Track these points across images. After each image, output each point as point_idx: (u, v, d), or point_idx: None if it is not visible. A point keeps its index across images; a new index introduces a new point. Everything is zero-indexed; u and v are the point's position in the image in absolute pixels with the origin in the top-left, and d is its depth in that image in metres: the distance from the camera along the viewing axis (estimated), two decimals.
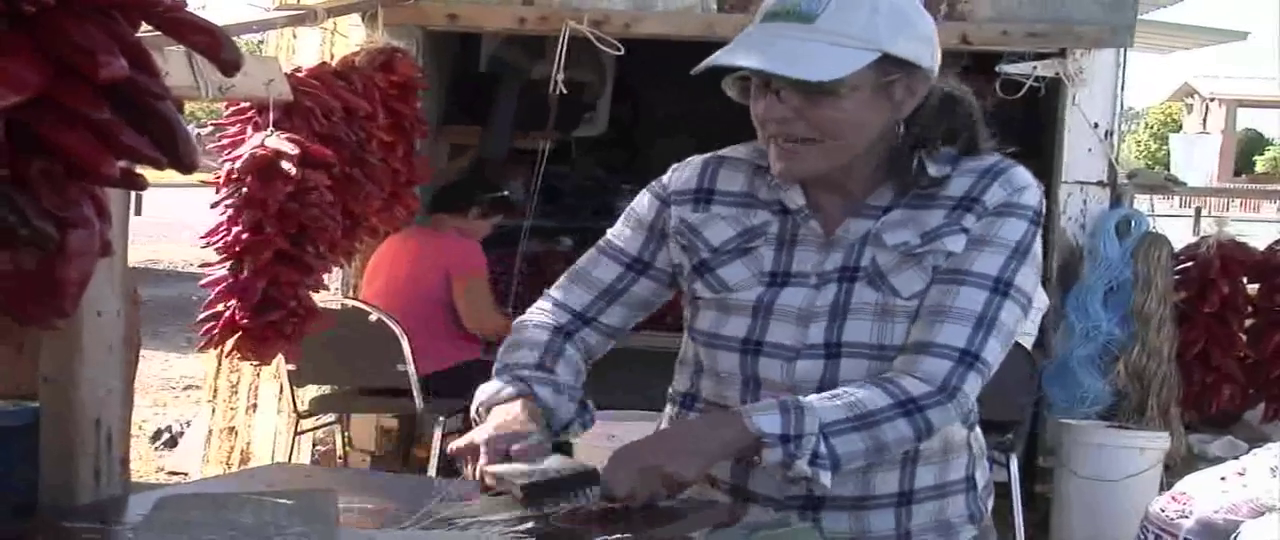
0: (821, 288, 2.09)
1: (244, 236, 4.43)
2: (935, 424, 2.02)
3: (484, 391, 2.16)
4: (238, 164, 4.44)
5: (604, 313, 2.26)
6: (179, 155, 1.40)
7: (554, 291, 2.29)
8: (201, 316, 4.54)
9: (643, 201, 2.26)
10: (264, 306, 4.51)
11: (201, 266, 4.60)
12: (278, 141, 4.48)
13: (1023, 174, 2.13)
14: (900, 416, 1.98)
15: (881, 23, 2.00)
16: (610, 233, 2.29)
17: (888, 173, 2.11)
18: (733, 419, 1.99)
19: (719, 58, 2.02)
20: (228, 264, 4.50)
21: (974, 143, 2.15)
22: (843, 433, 1.96)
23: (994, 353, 2.04)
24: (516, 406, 2.10)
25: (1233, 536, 3.64)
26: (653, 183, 2.27)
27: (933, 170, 2.09)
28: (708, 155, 2.25)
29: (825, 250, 2.11)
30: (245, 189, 4.43)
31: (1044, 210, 2.14)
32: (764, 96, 2.03)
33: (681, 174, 2.24)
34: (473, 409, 2.16)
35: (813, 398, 1.99)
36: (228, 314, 4.49)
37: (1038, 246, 2.12)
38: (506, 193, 6.55)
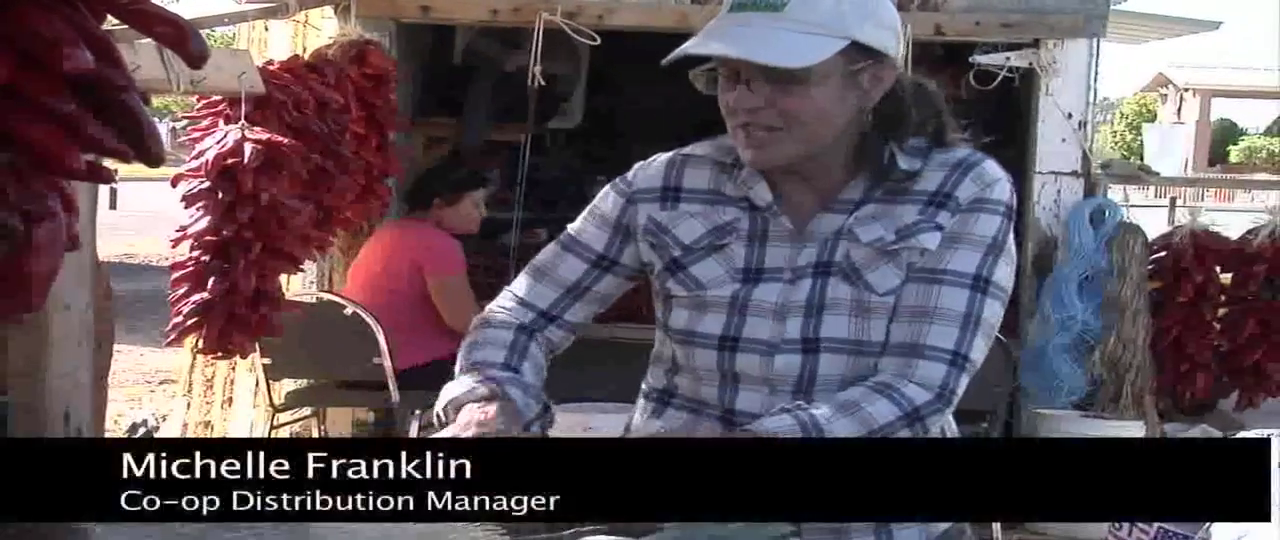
0: (796, 283, 2.09)
1: (243, 232, 4.40)
2: (930, 430, 2.05)
3: (452, 389, 2.13)
4: (243, 157, 4.39)
5: (569, 310, 2.25)
6: (145, 148, 1.39)
7: (516, 288, 2.28)
8: (186, 309, 4.49)
9: (607, 198, 2.25)
10: (256, 299, 4.50)
11: (186, 260, 4.56)
12: (272, 135, 4.46)
13: (994, 168, 2.13)
14: (903, 427, 2.00)
15: (848, 10, 2.01)
16: (572, 228, 2.27)
17: (858, 165, 2.12)
18: (747, 436, 1.97)
19: (690, 47, 2.02)
20: (209, 257, 4.46)
21: (942, 133, 2.15)
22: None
23: (980, 352, 2.06)
24: (492, 408, 2.07)
25: (1206, 527, 3.65)
26: (616, 180, 2.27)
27: (904, 164, 2.10)
28: (672, 153, 2.24)
29: (797, 245, 2.11)
30: (237, 182, 4.40)
31: (1015, 203, 2.14)
32: (734, 86, 2.03)
33: (647, 171, 2.24)
34: (438, 407, 2.13)
35: (825, 410, 1.98)
36: (214, 307, 4.46)
37: (1012, 240, 2.12)
38: (465, 171, 6.42)
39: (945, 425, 2.21)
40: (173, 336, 4.64)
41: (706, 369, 2.13)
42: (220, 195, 4.43)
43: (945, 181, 2.10)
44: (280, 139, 4.50)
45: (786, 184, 2.13)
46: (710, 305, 2.12)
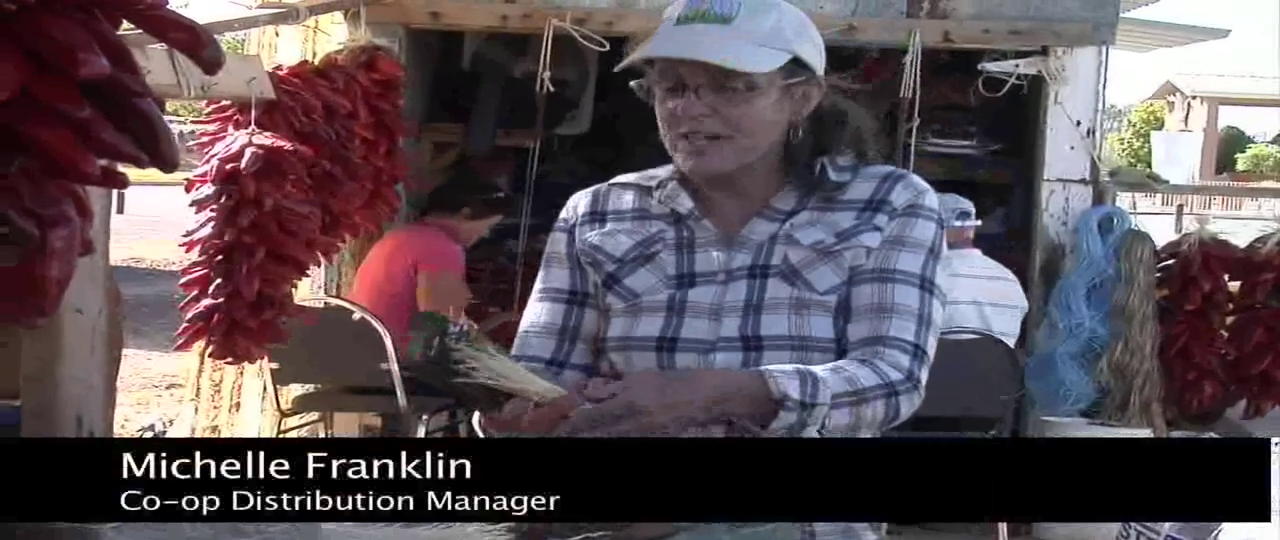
0: (730, 284, 2.16)
1: (244, 237, 4.41)
2: (903, 412, 2.11)
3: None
4: (242, 162, 4.41)
5: (573, 353, 2.27)
6: (160, 153, 1.41)
7: (515, 352, 2.28)
8: (190, 315, 4.51)
9: (556, 240, 2.32)
10: (258, 305, 4.50)
11: (191, 267, 4.58)
12: (276, 140, 4.47)
13: (920, 179, 2.24)
14: (882, 398, 2.07)
15: (788, 27, 2.13)
16: (538, 283, 2.32)
17: (787, 176, 2.21)
18: (754, 376, 2.03)
19: (650, 51, 2.12)
20: (215, 262, 4.48)
21: (864, 152, 2.25)
22: (841, 406, 2.03)
23: (933, 347, 2.16)
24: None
25: (1214, 533, 3.65)
26: (557, 222, 2.33)
27: (834, 176, 2.20)
28: (598, 184, 2.34)
29: (728, 250, 2.18)
30: (241, 187, 4.41)
31: (942, 215, 2.24)
32: (681, 95, 2.11)
33: (577, 203, 2.32)
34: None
35: (815, 368, 2.04)
36: (219, 312, 4.47)
37: (945, 247, 2.22)
38: (502, 193, 6.54)
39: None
40: (181, 341, 4.65)
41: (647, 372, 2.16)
42: (223, 200, 4.44)
43: (877, 190, 2.20)
44: (282, 144, 4.50)
45: (712, 194, 2.21)
46: (646, 310, 2.19)
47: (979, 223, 5.82)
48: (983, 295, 5.54)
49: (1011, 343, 5.62)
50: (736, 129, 2.11)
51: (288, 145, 4.52)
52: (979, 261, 5.68)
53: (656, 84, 2.15)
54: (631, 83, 2.20)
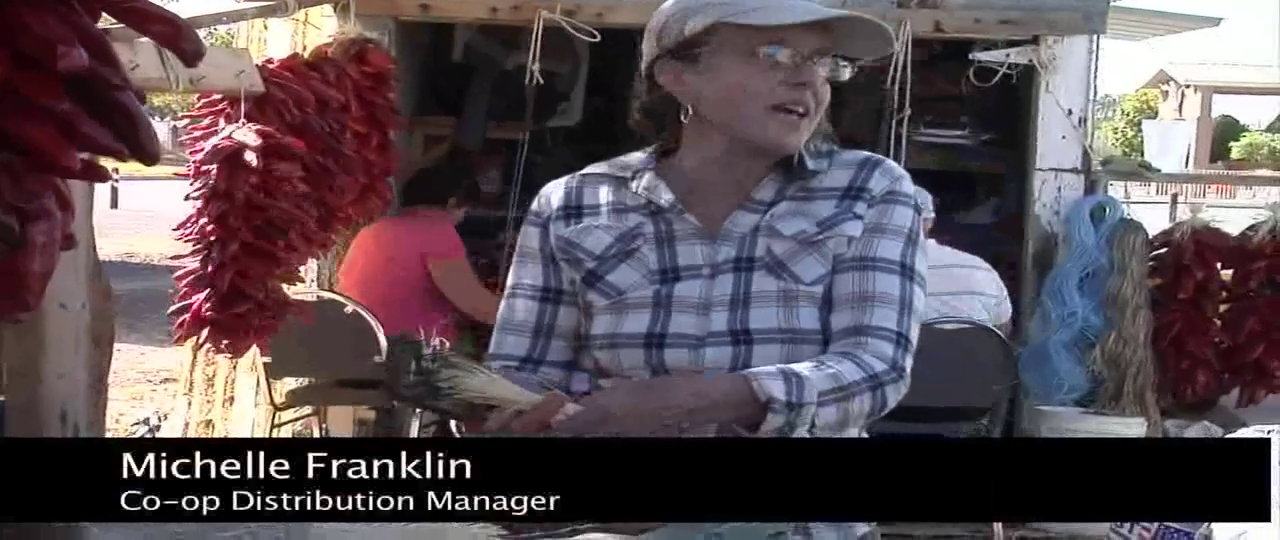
0: (716, 278, 2.13)
1: (210, 228, 4.42)
2: (889, 402, 2.09)
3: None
4: (210, 156, 4.42)
5: (549, 351, 2.24)
6: (141, 146, 1.39)
7: (491, 349, 2.27)
8: (173, 308, 4.53)
9: (529, 235, 2.27)
10: (231, 298, 4.49)
11: (174, 259, 4.60)
12: (243, 133, 4.46)
13: (895, 165, 2.23)
14: (867, 390, 2.05)
15: None
16: (511, 278, 2.29)
17: (768, 166, 2.18)
18: (739, 380, 2.00)
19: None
20: (198, 256, 4.49)
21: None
22: (828, 403, 2.01)
23: (916, 334, 2.14)
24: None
25: (1206, 527, 3.65)
26: (528, 216, 2.29)
27: (810, 163, 2.18)
28: (569, 176, 2.29)
29: (712, 243, 2.15)
30: (211, 181, 4.41)
31: (919, 200, 2.23)
32: (817, 64, 2.10)
33: (550, 196, 2.27)
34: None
35: (798, 366, 2.02)
36: (196, 306, 4.48)
37: (923, 233, 2.22)
38: (476, 180, 6.56)
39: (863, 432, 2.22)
40: (177, 335, 4.67)
41: (635, 368, 2.14)
42: (201, 192, 4.45)
43: (855, 177, 2.18)
44: (249, 139, 4.48)
45: (695, 185, 2.18)
46: (632, 307, 2.15)
47: (933, 215, 5.80)
48: (940, 286, 5.50)
49: (1003, 333, 5.60)
50: (820, 105, 2.12)
51: (258, 141, 4.49)
52: (933, 252, 5.64)
53: (751, 46, 2.09)
54: (696, 47, 2.15)
